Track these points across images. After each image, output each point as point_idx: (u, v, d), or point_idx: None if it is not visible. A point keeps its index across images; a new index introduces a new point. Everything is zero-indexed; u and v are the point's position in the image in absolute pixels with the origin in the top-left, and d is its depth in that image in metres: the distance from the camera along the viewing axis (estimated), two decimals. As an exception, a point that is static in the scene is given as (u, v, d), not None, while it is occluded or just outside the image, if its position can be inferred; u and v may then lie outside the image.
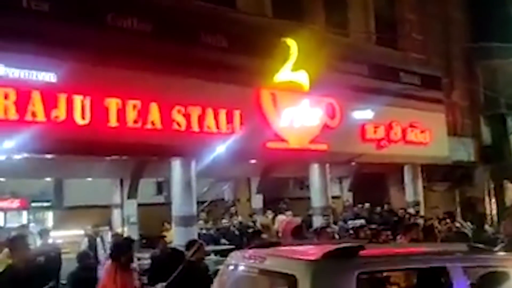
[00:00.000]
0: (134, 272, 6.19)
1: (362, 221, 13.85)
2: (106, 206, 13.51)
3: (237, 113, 11.59)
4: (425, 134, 16.37)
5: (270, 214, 15.23)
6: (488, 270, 4.18)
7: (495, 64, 19.83)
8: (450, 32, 19.45)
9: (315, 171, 14.16)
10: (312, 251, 4.28)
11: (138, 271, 7.98)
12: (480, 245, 4.82)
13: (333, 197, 15.23)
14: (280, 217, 14.88)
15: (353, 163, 15.48)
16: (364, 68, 14.86)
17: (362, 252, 3.89)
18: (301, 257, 4.00)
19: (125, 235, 11.69)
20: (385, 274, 4.34)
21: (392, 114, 15.39)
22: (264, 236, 9.58)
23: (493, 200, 19.89)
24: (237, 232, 13.88)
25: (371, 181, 17.08)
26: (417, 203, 16.53)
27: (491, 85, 19.93)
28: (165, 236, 9.93)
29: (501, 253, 4.80)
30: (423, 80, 16.56)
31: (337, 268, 3.77)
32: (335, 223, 14.24)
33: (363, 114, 14.64)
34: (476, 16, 19.26)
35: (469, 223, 15.53)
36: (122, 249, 6.06)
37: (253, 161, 13.63)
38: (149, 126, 10.29)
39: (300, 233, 9.24)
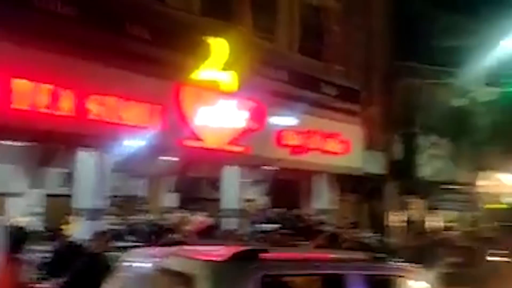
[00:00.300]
0: (24, 265, 5.89)
1: (274, 226, 13.98)
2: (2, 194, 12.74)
3: (156, 108, 11.37)
4: (342, 145, 16.78)
5: (183, 214, 15.03)
6: (387, 279, 4.38)
7: (413, 83, 20.59)
8: (374, 47, 20.02)
9: (229, 172, 14.13)
10: (216, 252, 4.27)
11: (36, 263, 7.62)
12: (382, 255, 4.98)
13: (248, 200, 15.26)
14: (194, 217, 14.72)
15: (270, 168, 15.59)
16: (285, 75, 15.03)
17: (265, 256, 3.91)
18: (202, 258, 3.98)
19: (25, 225, 11.11)
20: (288, 278, 4.37)
21: (311, 123, 15.68)
22: (175, 235, 9.45)
23: (399, 213, 20.63)
24: (146, 230, 13.57)
25: (287, 186, 17.29)
26: (328, 212, 16.88)
27: (408, 103, 20.67)
28: (62, 229, 9.54)
29: (401, 263, 4.97)
30: (342, 92, 16.99)
31: (239, 271, 3.75)
32: (248, 225, 14.28)
33: (283, 120, 14.79)
34: (400, 34, 19.90)
35: (375, 234, 16.09)
36: (15, 241, 5.75)
37: (169, 158, 13.40)
38: (61, 113, 9.85)
39: (209, 234, 9.21)
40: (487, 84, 19.55)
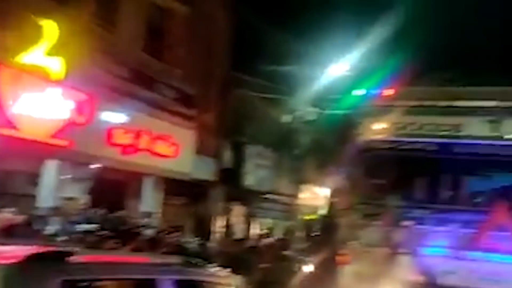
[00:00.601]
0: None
1: (93, 226, 12.53)
2: None
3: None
4: (172, 148, 15.74)
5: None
6: (199, 284, 4.26)
7: (247, 95, 20.38)
8: (214, 56, 19.41)
9: (48, 167, 12.33)
10: (11, 253, 3.65)
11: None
12: (198, 260, 4.82)
13: (67, 198, 13.50)
14: (1, 215, 12.61)
15: (95, 166, 13.99)
16: (125, 71, 13.65)
17: (70, 258, 3.47)
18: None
19: None
20: (93, 283, 3.86)
21: (144, 123, 14.44)
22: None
23: (223, 218, 20.23)
24: None
25: (112, 187, 15.74)
26: (152, 215, 15.75)
27: (240, 113, 20.44)
28: None
29: (216, 268, 4.86)
30: (179, 95, 16.03)
31: (33, 274, 3.28)
32: (65, 225, 12.58)
33: (115, 117, 13.35)
34: (241, 48, 19.61)
35: (198, 239, 15.41)
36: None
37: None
38: None
39: (17, 233, 7.77)
40: (313, 106, 20.07)
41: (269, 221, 23.07)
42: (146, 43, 15.55)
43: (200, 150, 18.25)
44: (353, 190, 6.21)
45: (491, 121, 6.00)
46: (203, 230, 17.61)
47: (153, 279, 3.88)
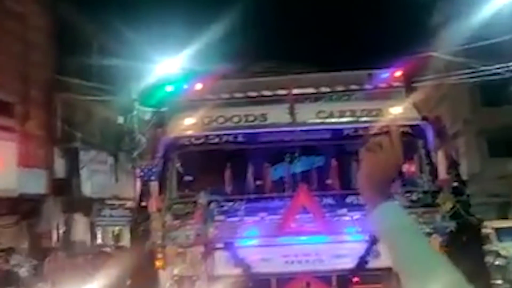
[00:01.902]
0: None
1: None
2: None
3: None
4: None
5: None
6: None
7: (73, 98, 19.32)
8: (32, 59, 18.07)
9: None
10: None
11: None
12: None
13: None
14: None
15: None
16: None
17: None
18: None
19: None
20: None
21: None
22: None
23: (61, 232, 19.05)
24: None
25: None
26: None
27: (69, 118, 19.36)
28: None
29: None
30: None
31: None
32: None
33: None
34: (59, 47, 18.50)
35: (30, 260, 14.40)
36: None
37: None
38: None
39: None
40: (143, 104, 19.61)
41: (115, 229, 22.29)
42: None
43: (27, 162, 16.94)
44: (163, 191, 6.06)
45: (289, 108, 6.21)
46: (38, 248, 16.41)
47: None
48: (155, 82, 16.96)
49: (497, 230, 14.58)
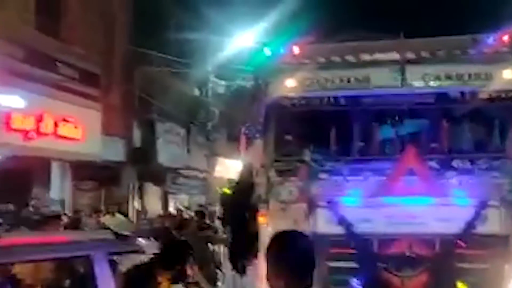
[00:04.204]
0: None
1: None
2: None
3: None
4: (78, 130, 15.00)
5: None
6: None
7: (151, 71, 19.80)
8: (114, 31, 18.67)
9: None
10: None
11: None
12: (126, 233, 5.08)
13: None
14: None
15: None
16: (18, 50, 12.70)
17: None
18: None
19: None
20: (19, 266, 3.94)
21: (45, 105, 13.63)
22: None
23: (137, 199, 19.75)
24: None
25: (17, 176, 14.77)
26: (63, 201, 15.05)
27: (146, 90, 19.87)
28: None
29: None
30: (81, 75, 15.26)
31: None
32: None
33: (12, 101, 12.44)
34: (139, 21, 18.93)
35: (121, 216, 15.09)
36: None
37: None
38: None
39: None
40: (218, 77, 19.86)
41: (186, 198, 22.84)
42: (39, 19, 14.57)
43: (108, 130, 17.57)
44: (267, 149, 6.16)
45: (395, 71, 6.14)
46: (119, 211, 17.10)
47: (86, 255, 3.92)
48: (251, 49, 16.87)
49: None
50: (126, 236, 4.80)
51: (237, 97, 19.59)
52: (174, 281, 3.93)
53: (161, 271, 4.24)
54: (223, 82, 20.50)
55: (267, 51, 7.50)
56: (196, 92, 21.08)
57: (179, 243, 4.41)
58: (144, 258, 4.48)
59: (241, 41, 18.81)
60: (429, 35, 8.04)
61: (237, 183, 7.38)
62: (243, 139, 6.54)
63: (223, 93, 20.95)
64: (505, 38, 6.78)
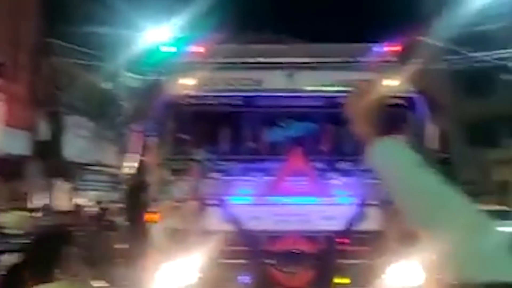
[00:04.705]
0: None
1: None
2: None
3: None
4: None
5: None
6: None
7: (60, 62, 19.21)
8: (22, 22, 17.96)
9: None
10: None
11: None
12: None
13: None
14: None
15: None
16: None
17: None
18: None
19: None
20: None
21: None
22: None
23: (43, 195, 19.10)
24: None
25: None
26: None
27: (54, 82, 19.27)
28: None
29: None
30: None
31: None
32: None
33: None
34: (49, 12, 18.32)
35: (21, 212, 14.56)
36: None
37: None
38: None
39: None
40: (130, 72, 19.60)
41: (95, 194, 22.34)
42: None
43: (12, 123, 16.90)
44: (162, 147, 6.25)
45: (286, 75, 6.42)
46: (23, 208, 16.48)
47: None
48: (152, 45, 16.84)
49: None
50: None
51: (150, 92, 19.38)
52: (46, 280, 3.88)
53: (29, 271, 4.14)
54: (135, 77, 20.24)
55: (169, 48, 7.58)
56: (107, 86, 20.70)
57: (48, 239, 4.26)
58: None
59: (154, 36, 18.67)
60: (336, 40, 8.46)
61: (131, 180, 7.41)
62: (137, 136, 6.59)
63: (135, 88, 20.70)
64: (395, 48, 7.27)
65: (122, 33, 18.84)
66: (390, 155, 1.57)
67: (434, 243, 1.40)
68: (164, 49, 7.34)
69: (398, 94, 6.36)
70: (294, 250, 6.05)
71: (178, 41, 8.17)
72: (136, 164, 6.63)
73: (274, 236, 6.10)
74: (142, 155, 6.43)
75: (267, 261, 6.05)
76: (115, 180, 22.06)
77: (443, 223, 1.40)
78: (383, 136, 1.57)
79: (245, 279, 6.05)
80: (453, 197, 1.46)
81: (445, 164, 6.35)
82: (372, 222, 6.03)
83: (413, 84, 6.69)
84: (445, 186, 1.48)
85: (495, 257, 1.33)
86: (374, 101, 1.64)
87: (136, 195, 6.69)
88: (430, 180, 1.50)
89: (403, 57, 7.24)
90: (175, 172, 6.09)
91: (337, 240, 6.13)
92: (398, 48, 7.30)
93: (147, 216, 6.04)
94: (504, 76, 20.07)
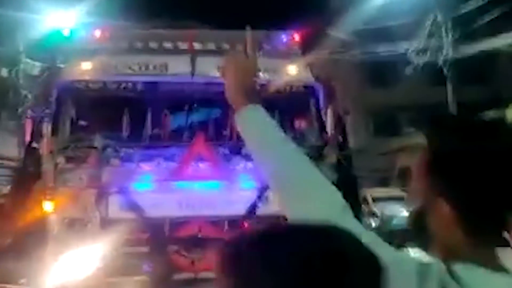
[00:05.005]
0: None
1: None
2: None
3: None
4: None
5: None
6: None
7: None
8: None
9: None
10: None
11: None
12: None
13: None
14: None
15: None
16: None
17: None
18: None
19: None
20: None
21: None
22: None
23: None
24: None
25: None
26: None
27: None
28: None
29: None
30: None
31: None
32: None
33: None
34: None
35: None
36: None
37: None
38: None
39: None
40: (31, 58, 18.60)
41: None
42: None
43: None
44: (56, 134, 6.02)
45: (190, 61, 6.39)
46: None
47: None
48: (51, 29, 16.05)
49: (375, 199, 15.89)
50: None
51: (48, 78, 18.43)
52: None
53: None
54: (37, 64, 19.23)
55: (66, 32, 7.30)
56: (4, 73, 19.52)
57: None
58: None
59: (55, 20, 17.82)
60: (241, 27, 8.44)
61: (20, 170, 7.08)
62: (28, 123, 6.30)
63: (37, 75, 19.65)
64: (296, 36, 7.45)
65: (23, 16, 17.84)
66: (251, 121, 1.58)
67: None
68: (65, 33, 7.05)
69: (297, 82, 6.54)
70: (198, 236, 6.06)
71: (80, 26, 7.90)
72: (24, 151, 6.33)
73: (178, 222, 6.07)
74: (33, 141, 6.15)
75: (171, 247, 6.02)
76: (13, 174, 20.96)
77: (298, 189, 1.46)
78: (251, 102, 1.60)
79: (149, 267, 5.98)
80: (307, 166, 1.49)
81: (344, 150, 6.61)
82: (273, 205, 6.16)
83: (314, 73, 6.89)
84: (301, 156, 1.51)
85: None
86: (245, 68, 1.67)
87: (24, 182, 6.39)
88: (289, 150, 1.53)
89: (305, 47, 7.44)
90: (71, 159, 5.89)
91: (241, 224, 6.21)
92: (300, 37, 7.49)
93: (42, 205, 5.80)
94: (406, 69, 21.14)
